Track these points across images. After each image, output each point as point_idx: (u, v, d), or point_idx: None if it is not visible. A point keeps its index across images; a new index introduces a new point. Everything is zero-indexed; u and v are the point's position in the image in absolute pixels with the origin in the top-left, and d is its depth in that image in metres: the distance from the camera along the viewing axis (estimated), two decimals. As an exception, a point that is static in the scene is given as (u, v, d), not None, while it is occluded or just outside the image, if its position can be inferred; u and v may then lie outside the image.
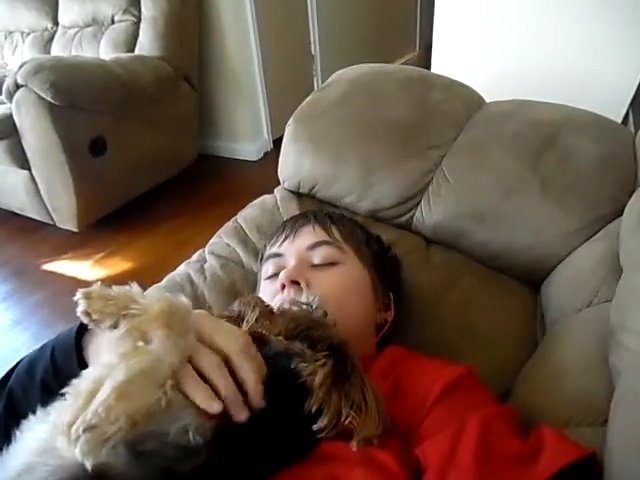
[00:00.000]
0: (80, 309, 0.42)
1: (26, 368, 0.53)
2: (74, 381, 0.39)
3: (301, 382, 0.46)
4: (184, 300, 0.44)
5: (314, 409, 0.45)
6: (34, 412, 0.42)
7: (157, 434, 0.38)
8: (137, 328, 0.40)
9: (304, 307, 0.53)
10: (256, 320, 0.50)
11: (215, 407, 0.39)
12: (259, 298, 0.58)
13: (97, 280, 0.44)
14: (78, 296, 0.42)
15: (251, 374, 0.43)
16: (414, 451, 0.49)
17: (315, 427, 0.45)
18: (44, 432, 0.39)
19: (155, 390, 0.37)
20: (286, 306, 0.54)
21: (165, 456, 0.38)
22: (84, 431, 0.33)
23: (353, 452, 0.46)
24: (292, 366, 0.46)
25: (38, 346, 0.55)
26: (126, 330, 0.40)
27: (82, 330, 0.51)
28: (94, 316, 0.41)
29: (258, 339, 0.47)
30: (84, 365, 0.49)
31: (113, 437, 0.34)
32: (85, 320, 0.42)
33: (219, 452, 0.40)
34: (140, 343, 0.39)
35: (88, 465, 0.33)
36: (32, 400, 0.45)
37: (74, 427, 0.34)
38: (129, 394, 0.35)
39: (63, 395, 0.39)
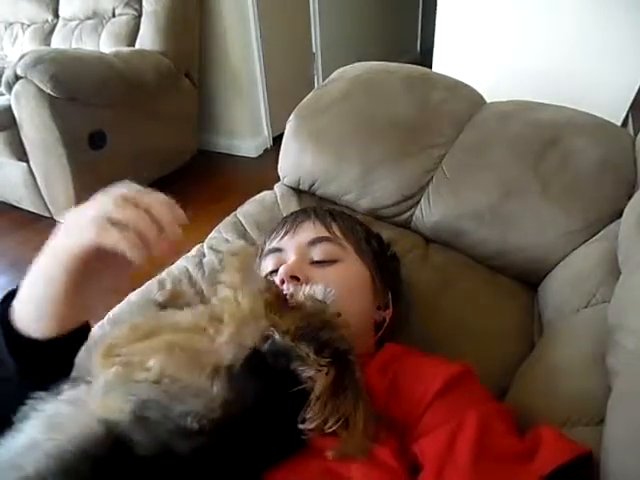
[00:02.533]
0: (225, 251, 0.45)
1: None
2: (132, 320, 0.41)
3: (297, 383, 0.46)
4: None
5: (308, 416, 0.45)
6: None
7: (163, 407, 0.39)
8: (219, 309, 0.42)
9: (319, 304, 0.52)
10: (265, 307, 0.49)
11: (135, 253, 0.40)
12: (273, 282, 0.57)
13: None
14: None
15: (161, 206, 0.44)
16: (412, 447, 0.50)
17: (300, 426, 0.45)
18: (51, 409, 0.39)
19: (194, 371, 0.39)
20: (300, 299, 0.53)
21: (165, 429, 0.39)
22: (119, 364, 0.36)
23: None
24: (291, 367, 0.46)
25: None
26: (210, 307, 0.42)
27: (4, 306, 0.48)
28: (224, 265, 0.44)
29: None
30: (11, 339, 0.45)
31: (137, 384, 0.36)
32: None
33: (214, 442, 0.40)
34: (210, 329, 0.41)
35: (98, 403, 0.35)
36: None
37: (114, 353, 0.36)
38: (176, 360, 0.38)
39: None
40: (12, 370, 0.44)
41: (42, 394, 0.41)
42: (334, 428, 0.45)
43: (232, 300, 0.42)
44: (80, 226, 0.43)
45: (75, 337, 0.47)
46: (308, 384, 0.46)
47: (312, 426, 0.45)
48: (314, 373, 0.46)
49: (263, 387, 0.45)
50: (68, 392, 0.41)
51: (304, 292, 0.54)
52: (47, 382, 0.42)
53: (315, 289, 0.55)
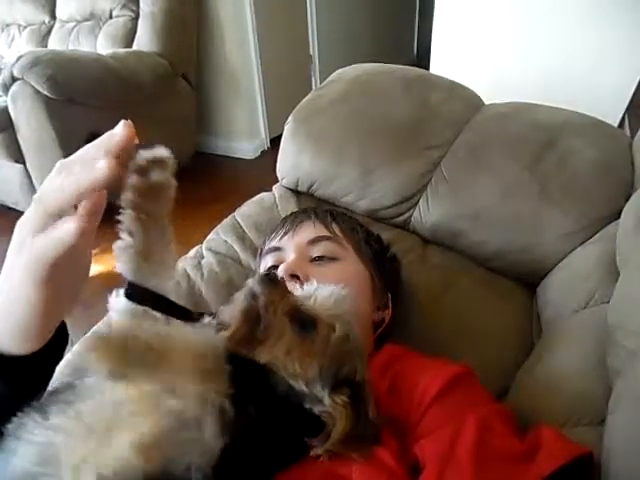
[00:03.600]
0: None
1: None
2: (81, 408, 0.37)
3: (312, 419, 0.46)
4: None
5: (323, 446, 0.45)
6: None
7: (166, 472, 0.37)
8: (172, 382, 0.38)
9: (341, 335, 0.50)
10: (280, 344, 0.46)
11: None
12: (292, 306, 0.50)
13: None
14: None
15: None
16: (412, 448, 0.50)
17: (312, 453, 0.46)
18: (42, 436, 0.37)
19: (178, 444, 0.36)
20: (318, 311, 0.50)
21: None
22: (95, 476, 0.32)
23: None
24: (305, 406, 0.45)
25: None
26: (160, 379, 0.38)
27: None
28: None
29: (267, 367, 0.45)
30: None
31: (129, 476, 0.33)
32: None
33: (221, 475, 0.40)
34: (172, 401, 0.37)
35: None
36: None
37: (84, 469, 0.33)
38: (151, 454, 0.34)
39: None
40: None
41: (30, 413, 0.38)
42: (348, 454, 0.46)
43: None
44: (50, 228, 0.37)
45: (54, 344, 0.43)
46: (324, 419, 0.46)
47: (325, 453, 0.46)
48: (331, 411, 0.46)
49: (270, 426, 0.44)
50: (56, 417, 0.38)
51: (317, 298, 0.51)
52: (29, 395, 0.39)
53: (330, 290, 0.52)
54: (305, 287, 0.54)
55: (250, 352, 0.46)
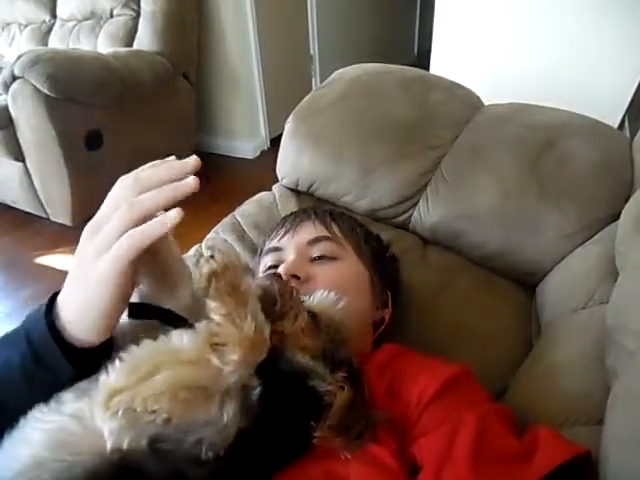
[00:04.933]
0: (204, 274, 0.40)
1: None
2: (132, 349, 0.39)
3: (313, 396, 0.46)
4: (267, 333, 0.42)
5: (323, 428, 0.45)
6: (17, 400, 0.41)
7: (175, 439, 0.38)
8: (220, 337, 0.39)
9: (335, 318, 0.52)
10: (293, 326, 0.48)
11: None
12: (301, 302, 0.53)
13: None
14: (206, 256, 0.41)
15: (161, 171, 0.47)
16: (411, 448, 0.50)
17: (314, 436, 0.45)
18: (56, 422, 0.38)
19: (202, 407, 0.38)
20: (313, 307, 0.53)
21: (177, 459, 0.38)
22: (124, 410, 0.34)
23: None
24: (309, 384, 0.46)
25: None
26: (210, 335, 0.39)
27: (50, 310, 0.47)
28: (210, 291, 0.40)
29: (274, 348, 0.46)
30: (64, 347, 0.44)
31: (144, 426, 0.35)
32: (200, 284, 0.40)
33: (227, 463, 0.40)
34: (214, 359, 0.38)
35: (109, 443, 0.34)
36: (14, 398, 0.43)
37: (116, 401, 0.34)
38: (183, 400, 0.36)
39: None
40: (66, 377, 0.44)
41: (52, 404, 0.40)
42: (340, 435, 0.46)
43: (231, 325, 0.40)
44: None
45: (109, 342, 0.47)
46: (326, 398, 0.46)
47: (325, 436, 0.45)
48: (332, 388, 0.46)
49: (277, 408, 0.44)
50: (72, 405, 0.40)
51: (314, 299, 0.53)
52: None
53: (327, 296, 0.54)
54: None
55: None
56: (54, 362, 0.43)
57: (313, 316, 0.51)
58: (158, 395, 0.35)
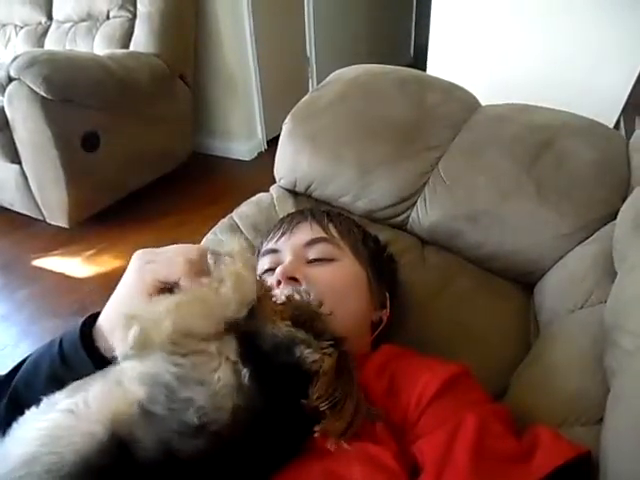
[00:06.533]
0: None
1: (32, 363, 0.53)
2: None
3: (302, 371, 0.46)
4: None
5: (317, 395, 0.45)
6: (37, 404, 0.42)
7: (169, 394, 0.41)
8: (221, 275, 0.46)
9: (305, 298, 0.53)
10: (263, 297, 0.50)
11: None
12: (263, 280, 0.57)
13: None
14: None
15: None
16: (411, 448, 0.50)
17: (302, 401, 0.45)
18: (50, 421, 0.39)
19: (205, 322, 0.43)
20: (289, 294, 0.54)
21: (169, 427, 0.40)
22: (140, 329, 0.40)
23: (351, 449, 0.46)
24: (296, 355, 0.46)
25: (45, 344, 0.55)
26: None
27: (88, 324, 0.52)
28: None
29: (252, 333, 0.48)
30: (93, 353, 0.49)
31: (154, 344, 0.40)
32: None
33: (218, 447, 0.40)
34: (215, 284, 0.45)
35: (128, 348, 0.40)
36: (35, 393, 0.45)
37: (135, 318, 0.40)
38: (186, 311, 0.42)
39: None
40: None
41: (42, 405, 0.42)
42: (329, 406, 0.45)
43: (231, 265, 0.46)
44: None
45: None
46: (314, 367, 0.46)
47: (315, 403, 0.45)
48: (320, 356, 0.47)
49: (269, 388, 0.45)
50: (65, 401, 0.42)
51: (287, 291, 0.55)
52: None
53: (298, 288, 0.56)
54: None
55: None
56: (79, 365, 0.48)
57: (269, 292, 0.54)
58: (168, 310, 0.41)
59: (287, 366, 0.46)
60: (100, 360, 0.48)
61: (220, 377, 0.42)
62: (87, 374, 0.46)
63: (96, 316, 0.52)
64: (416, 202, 0.96)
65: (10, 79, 1.82)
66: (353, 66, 1.15)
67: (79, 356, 0.48)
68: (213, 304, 0.44)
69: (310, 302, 0.52)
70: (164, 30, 2.27)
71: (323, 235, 0.74)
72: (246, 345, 0.46)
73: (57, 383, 0.45)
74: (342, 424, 0.46)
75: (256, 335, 0.47)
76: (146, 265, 0.49)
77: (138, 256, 0.51)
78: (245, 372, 0.44)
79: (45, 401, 0.42)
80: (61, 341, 0.52)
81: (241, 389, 0.43)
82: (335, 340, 0.49)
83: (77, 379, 0.45)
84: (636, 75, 1.46)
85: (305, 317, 0.49)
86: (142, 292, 0.47)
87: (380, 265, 0.78)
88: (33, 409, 0.41)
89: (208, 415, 0.40)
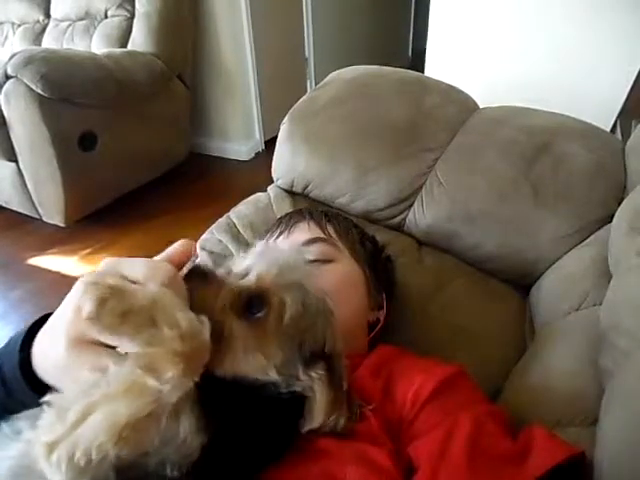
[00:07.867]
0: (85, 314, 0.34)
1: None
2: (55, 398, 0.35)
3: (291, 397, 0.44)
4: (206, 334, 0.37)
5: (311, 423, 0.44)
6: None
7: (138, 465, 0.35)
8: (150, 363, 0.34)
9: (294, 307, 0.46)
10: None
11: None
12: (232, 295, 0.45)
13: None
14: (88, 296, 0.34)
15: None
16: (406, 449, 0.50)
17: (303, 430, 0.45)
18: (16, 451, 0.36)
19: (154, 432, 0.34)
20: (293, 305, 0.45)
21: None
22: (67, 465, 0.31)
23: (347, 449, 0.46)
24: (282, 390, 0.44)
25: None
26: (136, 359, 0.34)
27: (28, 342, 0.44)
28: (102, 336, 0.35)
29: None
30: (35, 384, 0.41)
31: (95, 468, 0.32)
32: (92, 329, 0.35)
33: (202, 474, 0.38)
34: (151, 381, 0.34)
35: None
36: None
37: (55, 457, 0.31)
38: (128, 437, 0.32)
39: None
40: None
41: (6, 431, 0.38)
42: (331, 428, 0.45)
43: (150, 346, 0.35)
44: None
45: None
46: (304, 392, 0.45)
47: (314, 428, 0.45)
48: (310, 386, 0.45)
49: (237, 417, 0.42)
50: (28, 432, 0.37)
51: (255, 272, 0.45)
52: None
53: (272, 260, 0.46)
54: (235, 264, 0.48)
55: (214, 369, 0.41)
56: (26, 399, 0.40)
57: (255, 311, 0.43)
58: (100, 443, 0.31)
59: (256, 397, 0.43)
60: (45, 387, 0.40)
61: (184, 428, 0.37)
62: (32, 404, 0.39)
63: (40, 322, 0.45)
64: (413, 203, 0.96)
65: (7, 77, 1.82)
66: (351, 67, 1.15)
67: (21, 387, 0.42)
68: (158, 409, 0.34)
69: (306, 308, 0.46)
70: (162, 30, 2.27)
71: (321, 235, 0.74)
72: (208, 387, 0.38)
73: (6, 411, 0.40)
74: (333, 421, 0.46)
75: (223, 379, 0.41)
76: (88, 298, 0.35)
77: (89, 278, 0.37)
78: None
79: (6, 428, 0.37)
80: (1, 365, 0.45)
81: (206, 426, 0.38)
82: (326, 358, 0.46)
83: (26, 407, 0.40)
84: (633, 79, 1.47)
85: (296, 342, 0.44)
86: (71, 345, 0.37)
87: (378, 266, 0.78)
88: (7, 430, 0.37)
89: (181, 464, 0.36)
